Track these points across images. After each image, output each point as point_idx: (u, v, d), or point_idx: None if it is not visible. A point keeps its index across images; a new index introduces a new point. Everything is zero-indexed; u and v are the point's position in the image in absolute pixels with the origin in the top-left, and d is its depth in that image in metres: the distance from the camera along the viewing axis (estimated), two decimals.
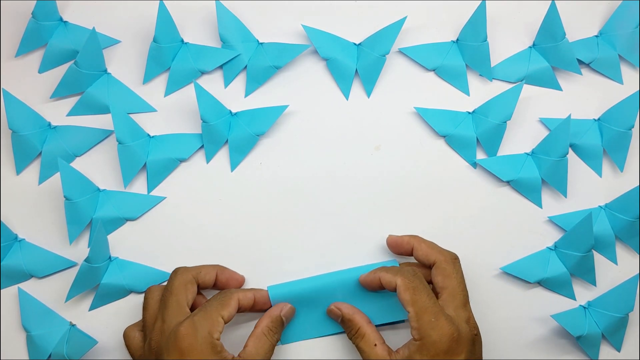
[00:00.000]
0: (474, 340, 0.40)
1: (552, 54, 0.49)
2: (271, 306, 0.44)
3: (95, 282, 0.45)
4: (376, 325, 0.43)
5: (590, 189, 0.48)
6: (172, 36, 0.48)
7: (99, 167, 0.48)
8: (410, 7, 0.50)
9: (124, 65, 0.49)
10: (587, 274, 0.47)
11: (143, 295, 0.46)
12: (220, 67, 0.49)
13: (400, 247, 0.45)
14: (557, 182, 0.47)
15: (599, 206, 0.48)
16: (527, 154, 0.48)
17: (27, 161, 0.47)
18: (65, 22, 0.48)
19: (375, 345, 0.40)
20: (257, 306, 0.43)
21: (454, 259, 0.43)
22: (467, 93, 0.49)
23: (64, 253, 0.46)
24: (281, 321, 0.42)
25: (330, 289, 0.45)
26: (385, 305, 0.44)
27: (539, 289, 0.47)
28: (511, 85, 0.49)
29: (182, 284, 0.41)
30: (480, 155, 0.48)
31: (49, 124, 0.47)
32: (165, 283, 0.44)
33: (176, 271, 0.43)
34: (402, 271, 0.41)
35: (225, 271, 0.45)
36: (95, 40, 0.46)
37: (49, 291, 0.46)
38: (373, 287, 0.43)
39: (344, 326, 0.43)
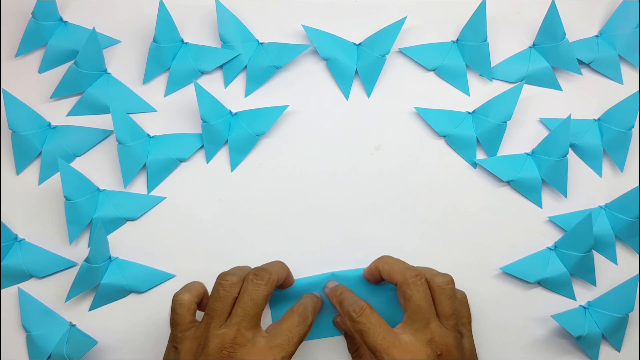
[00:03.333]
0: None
1: (552, 54, 0.49)
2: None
3: (95, 282, 0.45)
4: None
5: (590, 189, 0.48)
6: (172, 36, 0.48)
7: (99, 167, 0.48)
8: (410, 7, 0.50)
9: (124, 65, 0.49)
10: (587, 274, 0.47)
11: (142, 295, 0.46)
12: (220, 67, 0.49)
13: (373, 275, 0.44)
14: (557, 182, 0.47)
15: (599, 206, 0.48)
16: (527, 154, 0.48)
17: (27, 161, 0.47)
18: (65, 22, 0.48)
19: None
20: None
21: (414, 276, 0.39)
22: (467, 93, 0.49)
23: (64, 253, 0.46)
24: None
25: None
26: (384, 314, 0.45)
27: (539, 289, 0.47)
28: (511, 85, 0.49)
29: (265, 299, 0.39)
30: (480, 155, 0.48)
31: (49, 124, 0.47)
32: (232, 277, 0.40)
33: (269, 278, 0.40)
34: (349, 311, 0.39)
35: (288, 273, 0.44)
36: (95, 40, 0.46)
37: (49, 291, 0.46)
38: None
39: (347, 341, 0.44)
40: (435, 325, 0.38)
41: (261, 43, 0.49)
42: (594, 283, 0.47)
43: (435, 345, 0.38)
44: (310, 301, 0.42)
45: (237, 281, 0.39)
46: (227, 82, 0.49)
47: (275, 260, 0.43)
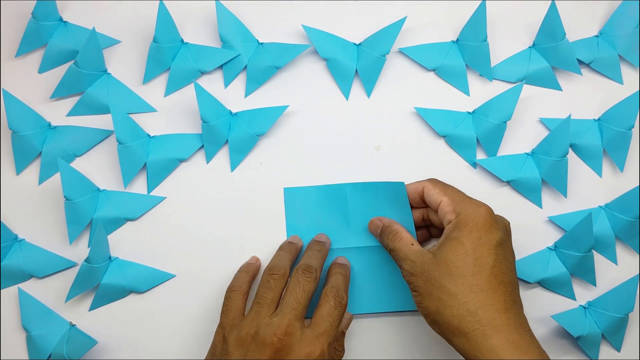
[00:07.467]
0: (507, 229, 0.41)
1: (552, 54, 0.49)
2: None
3: (95, 282, 0.45)
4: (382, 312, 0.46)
5: (590, 189, 0.48)
6: (172, 36, 0.48)
7: (99, 167, 0.48)
8: (410, 7, 0.50)
9: (124, 65, 0.49)
10: (587, 274, 0.47)
11: (142, 295, 0.46)
12: (220, 67, 0.49)
13: (414, 193, 0.46)
14: (557, 182, 0.47)
15: (599, 206, 0.48)
16: (527, 154, 0.48)
17: (27, 161, 0.47)
18: (65, 22, 0.48)
19: (412, 244, 0.42)
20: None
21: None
22: (467, 93, 0.49)
23: (64, 253, 0.46)
24: None
25: (343, 199, 0.46)
26: (395, 294, 0.46)
27: (539, 289, 0.47)
28: (511, 85, 0.49)
29: (313, 292, 0.42)
30: (480, 155, 0.48)
31: (49, 124, 0.47)
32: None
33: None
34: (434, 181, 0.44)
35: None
36: (95, 40, 0.46)
37: (49, 291, 0.46)
38: (413, 197, 0.45)
39: (383, 233, 0.44)
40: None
41: (261, 43, 0.49)
42: (594, 283, 0.47)
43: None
44: (341, 277, 0.43)
45: (284, 274, 0.42)
46: (227, 82, 0.49)
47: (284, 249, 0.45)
